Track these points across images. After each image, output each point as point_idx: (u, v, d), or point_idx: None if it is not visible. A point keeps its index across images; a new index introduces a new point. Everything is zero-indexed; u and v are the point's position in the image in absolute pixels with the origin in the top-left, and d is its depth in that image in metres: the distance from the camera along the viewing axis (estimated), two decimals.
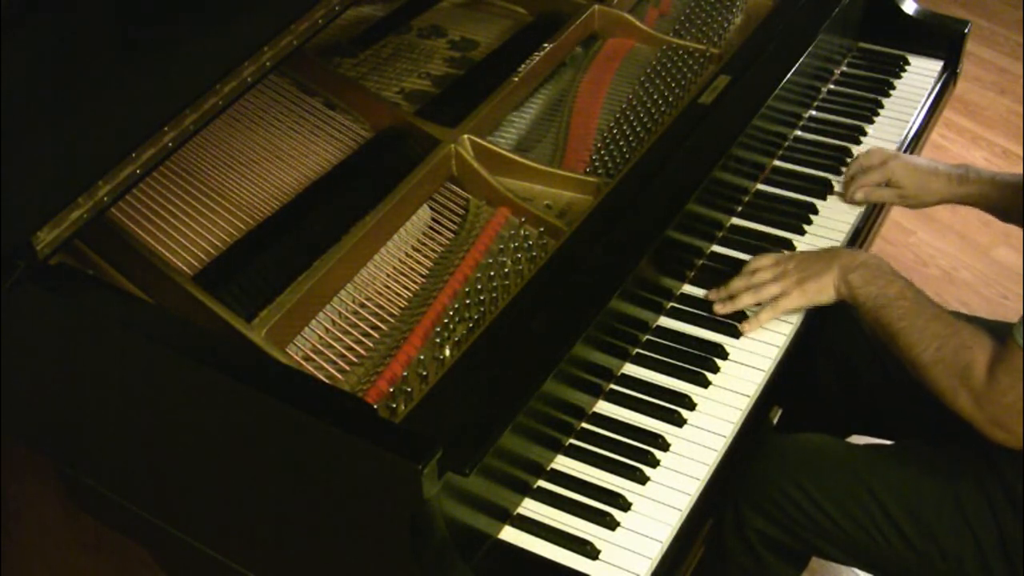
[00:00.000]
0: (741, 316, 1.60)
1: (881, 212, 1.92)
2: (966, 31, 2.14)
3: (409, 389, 1.34)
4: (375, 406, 1.26)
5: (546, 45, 1.80)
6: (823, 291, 1.56)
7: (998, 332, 1.42)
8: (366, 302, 1.46)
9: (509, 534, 1.34)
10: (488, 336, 1.36)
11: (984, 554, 1.43)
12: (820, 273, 1.56)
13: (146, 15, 1.37)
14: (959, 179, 1.78)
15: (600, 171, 1.64)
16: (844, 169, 1.87)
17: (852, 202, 1.80)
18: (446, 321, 1.42)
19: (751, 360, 1.55)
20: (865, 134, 1.97)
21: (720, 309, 1.60)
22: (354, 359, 1.39)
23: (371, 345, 1.41)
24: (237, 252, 1.48)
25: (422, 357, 1.37)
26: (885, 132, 1.99)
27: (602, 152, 1.67)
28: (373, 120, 1.70)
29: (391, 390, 1.33)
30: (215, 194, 1.57)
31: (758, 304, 1.59)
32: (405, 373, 1.35)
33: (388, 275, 1.50)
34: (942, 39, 2.14)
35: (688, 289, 1.65)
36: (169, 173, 1.57)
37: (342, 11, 1.60)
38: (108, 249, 1.46)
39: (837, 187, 1.85)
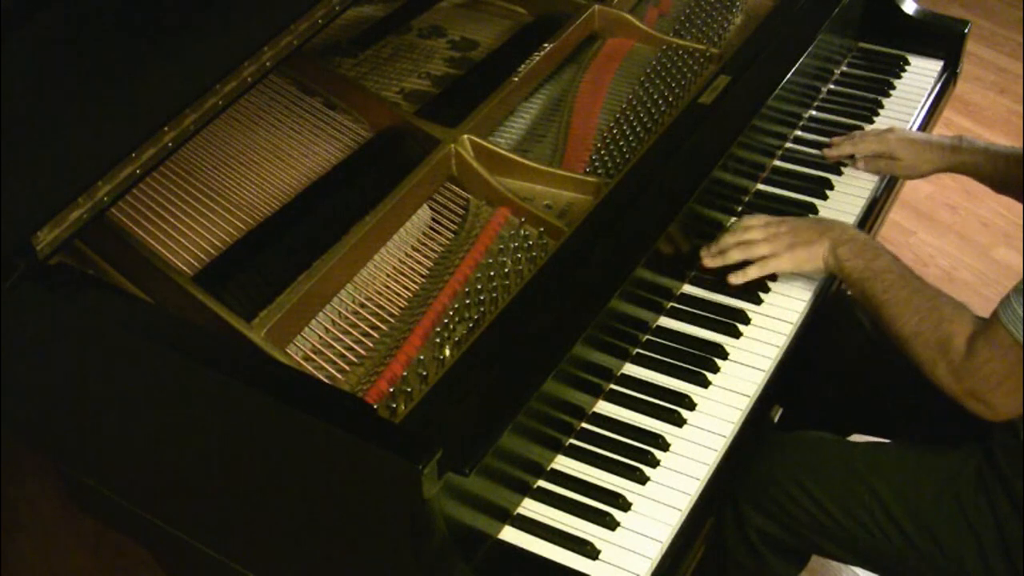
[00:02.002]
0: (740, 316, 1.60)
1: (881, 212, 1.92)
2: (966, 31, 2.14)
3: (409, 389, 1.33)
4: (375, 406, 1.26)
5: (546, 45, 1.80)
6: (812, 259, 1.58)
7: None
8: (366, 302, 1.46)
9: (509, 534, 1.34)
10: (488, 336, 1.36)
11: (984, 552, 1.44)
12: (811, 242, 1.58)
13: (146, 15, 1.37)
14: (952, 148, 1.84)
15: (600, 171, 1.64)
16: (844, 169, 1.88)
17: (838, 158, 1.88)
18: (446, 321, 1.41)
19: (751, 360, 1.55)
20: None
21: (709, 263, 1.62)
22: (354, 359, 1.39)
23: (371, 345, 1.41)
24: (237, 252, 1.48)
25: (422, 357, 1.37)
26: None
27: (602, 152, 1.67)
28: (373, 120, 1.70)
29: (391, 390, 1.33)
30: (215, 194, 1.57)
31: (746, 263, 1.61)
32: (405, 373, 1.35)
33: (388, 275, 1.50)
34: (942, 39, 2.15)
35: (688, 289, 1.65)
36: (169, 173, 1.57)
37: (342, 11, 1.60)
38: (108, 249, 1.46)
39: (837, 187, 1.85)
